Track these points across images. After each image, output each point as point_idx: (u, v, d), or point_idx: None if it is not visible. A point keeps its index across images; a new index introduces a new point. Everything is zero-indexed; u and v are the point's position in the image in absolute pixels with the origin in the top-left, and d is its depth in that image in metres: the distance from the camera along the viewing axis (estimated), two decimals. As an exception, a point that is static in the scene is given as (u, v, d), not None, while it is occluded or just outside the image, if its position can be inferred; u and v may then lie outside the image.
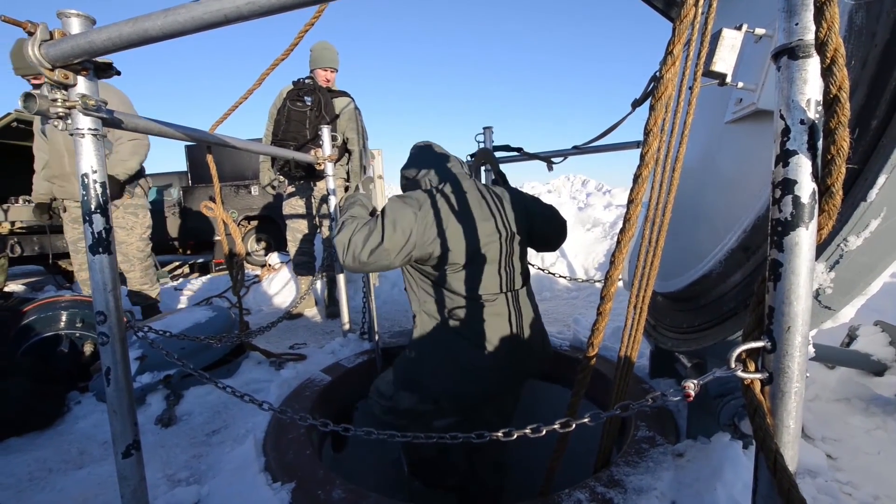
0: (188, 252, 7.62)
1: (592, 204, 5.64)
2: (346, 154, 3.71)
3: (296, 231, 3.86)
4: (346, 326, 2.92)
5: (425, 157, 1.90)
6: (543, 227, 1.96)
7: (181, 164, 8.14)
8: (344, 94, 3.65)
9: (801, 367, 0.71)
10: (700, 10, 0.92)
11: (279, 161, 3.49)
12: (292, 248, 3.91)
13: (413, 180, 1.89)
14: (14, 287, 5.46)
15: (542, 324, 1.89)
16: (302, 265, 3.91)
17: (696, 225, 1.62)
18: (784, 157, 0.68)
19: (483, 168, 3.02)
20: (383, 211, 1.66)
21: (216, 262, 6.80)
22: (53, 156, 3.19)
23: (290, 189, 3.79)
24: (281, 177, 3.62)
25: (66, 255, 5.70)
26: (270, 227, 7.16)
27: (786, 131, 0.67)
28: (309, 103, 3.44)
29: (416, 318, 1.83)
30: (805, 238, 0.68)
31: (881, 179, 0.89)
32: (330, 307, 3.85)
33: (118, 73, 1.03)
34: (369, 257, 1.58)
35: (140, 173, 3.47)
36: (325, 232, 3.74)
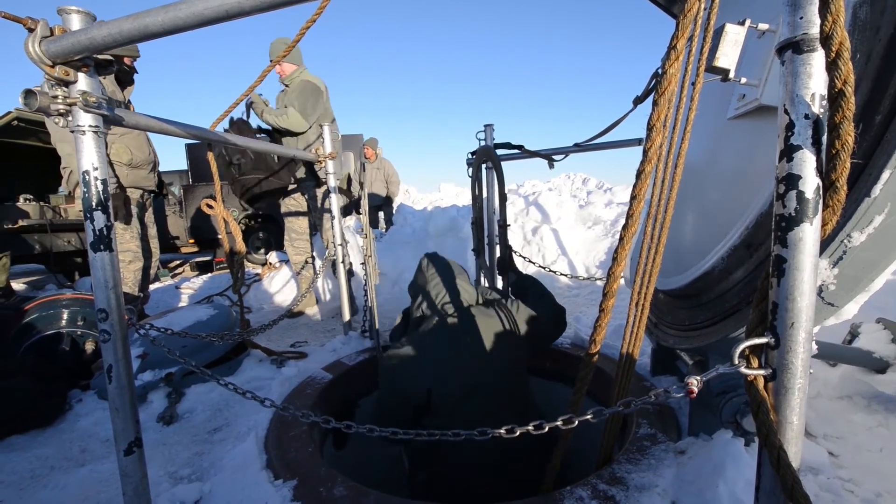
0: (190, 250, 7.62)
1: (593, 202, 5.63)
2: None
3: (292, 231, 3.81)
4: (348, 324, 2.92)
5: (427, 277, 1.89)
6: (543, 343, 1.88)
7: (181, 163, 8.14)
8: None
9: (805, 363, 0.71)
10: (703, 5, 0.91)
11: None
12: (289, 247, 3.87)
13: (416, 297, 1.89)
14: (15, 285, 5.46)
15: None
16: (301, 264, 3.89)
17: (698, 221, 1.62)
18: (788, 151, 0.67)
19: (484, 166, 3.01)
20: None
21: (217, 261, 6.80)
22: (137, 145, 3.26)
23: (291, 186, 3.76)
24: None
25: (67, 254, 5.71)
26: (270, 225, 7.16)
27: (790, 126, 0.67)
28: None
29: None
30: (809, 233, 0.67)
31: (885, 175, 0.88)
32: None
33: (115, 69, 1.02)
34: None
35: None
36: (327, 228, 3.72)
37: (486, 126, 3.05)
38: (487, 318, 1.72)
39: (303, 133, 3.53)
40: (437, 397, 1.57)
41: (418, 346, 1.66)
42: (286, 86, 3.58)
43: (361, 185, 2.51)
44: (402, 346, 1.70)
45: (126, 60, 3.10)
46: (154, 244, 3.77)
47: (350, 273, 3.64)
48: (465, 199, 12.94)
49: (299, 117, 3.42)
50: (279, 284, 4.62)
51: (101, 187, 1.04)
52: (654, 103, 0.90)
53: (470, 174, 2.99)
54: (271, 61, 3.46)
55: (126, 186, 3.27)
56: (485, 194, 3.13)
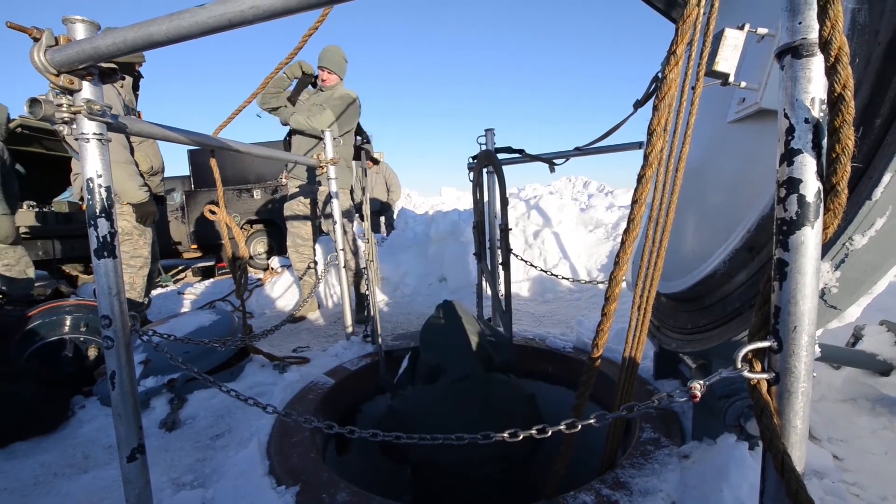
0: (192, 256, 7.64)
1: (594, 205, 5.62)
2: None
3: (297, 237, 3.80)
4: (350, 329, 2.92)
5: (440, 329, 1.84)
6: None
7: (184, 169, 8.19)
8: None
9: (808, 366, 0.71)
10: (702, 10, 0.92)
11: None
12: (292, 252, 3.85)
13: (427, 345, 1.86)
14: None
15: None
16: (304, 270, 3.88)
17: (699, 225, 1.62)
18: (788, 155, 0.68)
19: (485, 170, 3.02)
20: None
21: (219, 266, 6.82)
22: (154, 154, 3.35)
23: (293, 190, 3.77)
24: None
25: (71, 260, 5.73)
26: (272, 230, 7.20)
27: (790, 130, 0.67)
28: None
29: None
30: (811, 237, 0.68)
31: (886, 178, 0.88)
32: (359, 314, 3.75)
33: (123, 78, 1.03)
34: None
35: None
36: (330, 231, 3.72)
37: (486, 130, 3.06)
38: (495, 390, 1.71)
39: (319, 138, 3.51)
40: (442, 463, 1.60)
41: (426, 410, 1.65)
42: (321, 90, 3.66)
43: (363, 190, 2.51)
44: (411, 402, 1.69)
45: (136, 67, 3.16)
46: (155, 249, 3.79)
47: (355, 276, 3.66)
48: (466, 203, 12.96)
49: (333, 119, 3.43)
50: (281, 289, 4.63)
51: (104, 194, 1.05)
52: (655, 108, 0.91)
53: (471, 178, 2.99)
54: (319, 66, 3.55)
55: None
56: (486, 198, 3.14)
